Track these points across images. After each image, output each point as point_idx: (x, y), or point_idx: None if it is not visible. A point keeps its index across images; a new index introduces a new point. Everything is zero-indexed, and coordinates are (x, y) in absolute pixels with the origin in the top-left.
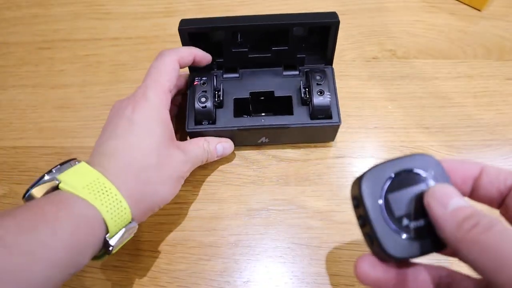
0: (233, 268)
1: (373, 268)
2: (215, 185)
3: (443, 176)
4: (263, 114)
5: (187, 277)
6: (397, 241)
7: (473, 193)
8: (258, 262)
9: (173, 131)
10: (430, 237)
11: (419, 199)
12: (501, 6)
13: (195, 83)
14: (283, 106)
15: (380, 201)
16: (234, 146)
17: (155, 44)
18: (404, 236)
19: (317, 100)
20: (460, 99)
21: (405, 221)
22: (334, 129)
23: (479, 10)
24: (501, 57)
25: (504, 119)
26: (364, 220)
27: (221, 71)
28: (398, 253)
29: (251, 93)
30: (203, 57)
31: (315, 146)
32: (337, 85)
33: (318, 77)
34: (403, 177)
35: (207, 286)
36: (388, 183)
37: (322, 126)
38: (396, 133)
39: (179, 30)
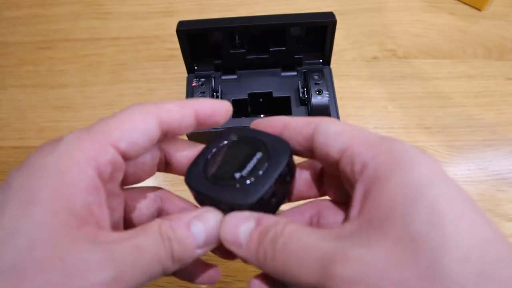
0: (233, 268)
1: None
2: None
3: (252, 130)
4: (261, 115)
5: None
6: (247, 192)
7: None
8: None
9: (96, 209)
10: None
11: (239, 152)
12: (502, 5)
13: (193, 84)
14: (281, 106)
15: (208, 180)
16: None
17: (155, 44)
18: (246, 184)
19: (316, 99)
20: (460, 99)
21: (237, 175)
22: None
23: (479, 10)
24: (502, 57)
25: (504, 119)
26: (217, 204)
27: (219, 73)
28: (252, 199)
29: (249, 94)
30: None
31: None
32: (337, 85)
33: (316, 77)
34: (220, 151)
35: (208, 286)
36: (208, 160)
37: None
38: (396, 133)
39: (177, 31)
